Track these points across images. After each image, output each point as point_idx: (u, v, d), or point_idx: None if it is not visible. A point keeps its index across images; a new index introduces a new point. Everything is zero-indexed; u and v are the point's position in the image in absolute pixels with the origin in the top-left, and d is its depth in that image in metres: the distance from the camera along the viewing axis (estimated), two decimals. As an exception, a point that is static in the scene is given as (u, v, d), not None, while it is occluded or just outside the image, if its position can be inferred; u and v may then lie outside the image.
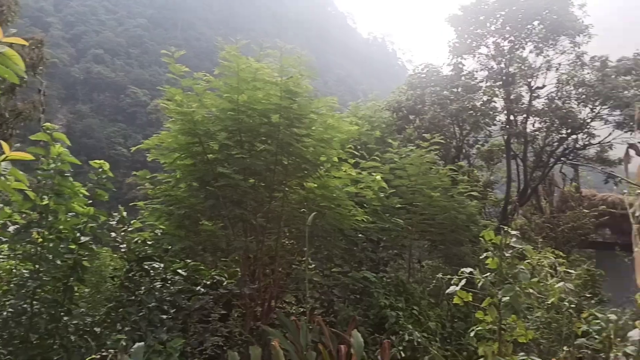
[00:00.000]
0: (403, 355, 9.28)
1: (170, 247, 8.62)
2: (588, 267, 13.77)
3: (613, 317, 6.63)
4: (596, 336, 6.37)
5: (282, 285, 9.95)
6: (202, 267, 9.24)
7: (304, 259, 9.91)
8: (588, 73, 18.90)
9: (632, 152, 8.58)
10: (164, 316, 7.28)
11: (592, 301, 11.85)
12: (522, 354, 6.02)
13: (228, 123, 7.97)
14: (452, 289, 6.38)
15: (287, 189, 9.05)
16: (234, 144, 8.07)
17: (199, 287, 8.64)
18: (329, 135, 8.62)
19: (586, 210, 19.57)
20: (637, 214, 7.91)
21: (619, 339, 7.31)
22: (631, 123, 16.54)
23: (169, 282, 8.08)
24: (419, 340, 9.47)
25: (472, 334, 6.32)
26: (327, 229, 9.45)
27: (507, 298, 5.87)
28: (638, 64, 18.08)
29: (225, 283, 9.15)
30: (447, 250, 12.08)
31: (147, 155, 8.63)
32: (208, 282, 8.89)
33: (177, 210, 8.41)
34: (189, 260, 9.01)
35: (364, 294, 10.22)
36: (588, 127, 19.10)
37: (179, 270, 8.54)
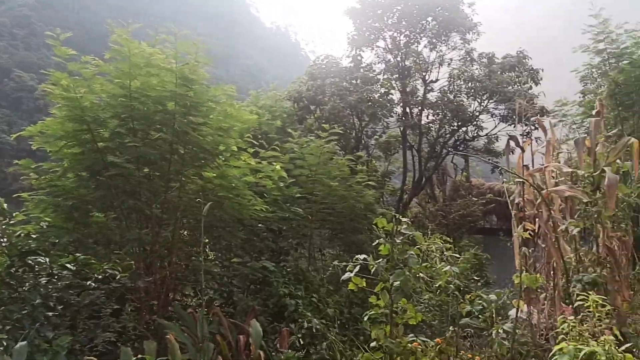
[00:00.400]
0: (302, 342, 9.41)
1: (57, 240, 8.16)
2: (475, 252, 14.64)
3: (494, 297, 7.10)
4: (479, 316, 6.79)
5: (179, 277, 9.74)
6: (94, 261, 8.82)
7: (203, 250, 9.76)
8: (477, 69, 20.00)
9: (512, 143, 9.21)
10: (50, 313, 6.89)
11: (479, 283, 12.62)
12: (411, 335, 6.29)
13: (119, 110, 7.64)
14: (347, 275, 6.54)
15: (184, 178, 8.84)
16: (126, 131, 7.76)
17: (89, 282, 8.25)
18: (227, 124, 8.50)
19: (475, 199, 20.76)
20: (516, 201, 8.51)
21: (499, 318, 7.84)
22: (514, 116, 17.70)
23: (56, 277, 7.66)
24: (318, 327, 9.63)
25: (366, 319, 6.51)
26: (226, 219, 9.35)
27: (398, 282, 6.10)
28: (520, 61, 19.38)
29: (118, 277, 8.81)
30: (346, 238, 12.36)
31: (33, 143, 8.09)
32: (100, 277, 8.51)
33: (64, 202, 7.97)
34: (78, 254, 8.57)
35: (263, 283, 10.24)
36: (477, 119, 20.22)
37: (67, 265, 8.12)
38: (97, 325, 7.66)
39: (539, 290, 8.75)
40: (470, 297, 6.91)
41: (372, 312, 6.52)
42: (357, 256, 6.58)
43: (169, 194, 8.80)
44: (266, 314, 9.90)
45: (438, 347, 6.41)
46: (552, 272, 8.30)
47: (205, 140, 8.28)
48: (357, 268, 6.41)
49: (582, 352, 3.45)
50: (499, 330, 6.73)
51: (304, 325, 9.61)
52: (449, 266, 6.58)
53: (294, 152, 11.01)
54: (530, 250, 7.73)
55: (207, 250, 10.50)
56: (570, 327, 3.78)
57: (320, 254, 12.85)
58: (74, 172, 8.17)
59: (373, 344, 6.56)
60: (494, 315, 7.52)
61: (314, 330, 9.60)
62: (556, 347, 3.71)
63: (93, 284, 8.21)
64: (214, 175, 8.89)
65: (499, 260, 16.32)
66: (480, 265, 13.98)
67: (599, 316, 4.04)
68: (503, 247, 15.64)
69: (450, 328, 6.58)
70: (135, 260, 8.98)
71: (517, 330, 6.49)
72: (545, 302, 8.65)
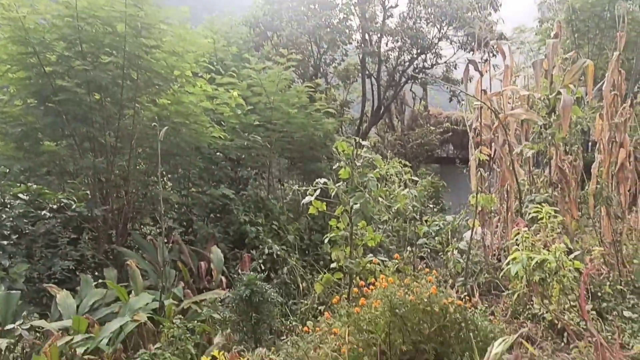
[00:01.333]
0: (263, 267, 9.55)
1: (8, 170, 7.89)
2: (432, 180, 14.93)
3: (450, 218, 7.29)
4: (435, 237, 6.98)
5: (137, 206, 9.63)
6: (47, 191, 8.59)
7: (161, 180, 9.62)
8: (437, -7, 19.66)
9: (471, 69, 9.23)
10: (5, 242, 6.74)
11: (435, 210, 12.95)
12: (370, 255, 6.44)
13: (66, 32, 7.24)
14: (307, 199, 6.58)
15: (138, 105, 8.57)
16: (74, 55, 7.40)
17: (44, 212, 8.07)
18: (181, 47, 8.19)
19: (433, 128, 20.97)
20: (473, 125, 8.63)
21: (454, 239, 8.11)
22: (472, 43, 17.66)
23: (9, 206, 7.44)
24: (279, 252, 9.77)
25: (326, 241, 6.61)
26: (183, 147, 9.18)
27: (358, 205, 6.18)
28: (481, -14, 19.13)
29: (74, 206, 8.63)
30: (305, 167, 12.35)
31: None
32: (54, 206, 8.32)
33: (12, 129, 7.64)
34: (31, 184, 8.33)
35: (223, 211, 10.23)
36: (436, 47, 20.08)
37: (20, 195, 7.89)
38: (55, 254, 7.56)
39: (492, 213, 9.04)
40: (427, 220, 7.08)
41: (332, 235, 6.62)
42: (317, 180, 6.59)
43: (123, 122, 8.55)
44: (227, 241, 9.95)
45: (396, 265, 6.59)
46: (505, 195, 8.56)
47: (158, 65, 7.99)
48: (317, 192, 6.44)
49: (534, 260, 3.61)
50: (454, 250, 6.97)
51: (264, 251, 9.73)
52: (407, 189, 6.68)
53: (252, 78, 10.75)
54: (486, 174, 7.91)
55: (165, 179, 10.35)
56: (523, 238, 3.92)
57: (280, 184, 12.84)
58: (21, 98, 7.80)
59: (333, 265, 6.70)
60: (449, 237, 7.77)
61: (275, 256, 9.74)
62: (510, 257, 3.86)
63: (48, 214, 8.03)
64: (169, 101, 8.65)
65: (454, 187, 16.70)
66: (437, 192, 14.29)
67: (551, 227, 4.20)
68: (459, 176, 15.99)
69: (408, 249, 6.75)
70: (90, 189, 8.80)
71: (471, 250, 6.72)
72: (498, 224, 8.97)
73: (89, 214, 8.37)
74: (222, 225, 10.15)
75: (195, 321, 6.93)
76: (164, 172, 9.99)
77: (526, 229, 3.98)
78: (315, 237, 11.09)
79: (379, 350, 4.30)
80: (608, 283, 7.05)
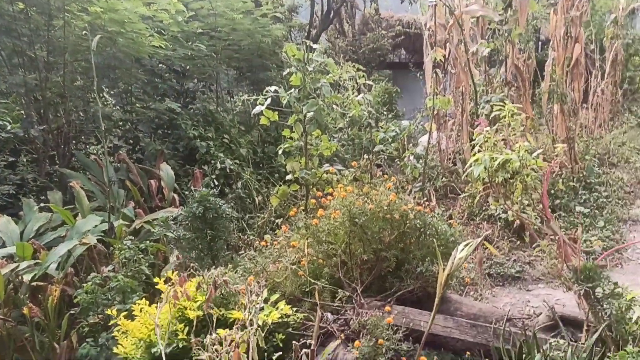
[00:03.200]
0: (216, 182, 9.29)
1: None
2: (385, 85, 14.63)
3: (406, 123, 7.11)
4: (392, 143, 6.82)
5: (78, 125, 9.07)
6: (-24, 113, 7.94)
7: (101, 95, 9.02)
8: None
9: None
10: None
11: (389, 116, 12.77)
12: (327, 165, 6.25)
13: None
14: (258, 108, 6.24)
15: (68, 14, 7.83)
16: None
17: (-26, 135, 7.48)
18: (110, -53, 7.41)
19: (384, 32, 20.39)
20: (428, 25, 8.29)
21: (410, 145, 7.98)
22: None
23: None
24: (232, 167, 9.50)
25: (280, 152, 6.36)
26: (121, 59, 8.54)
27: (311, 113, 5.90)
28: None
29: (9, 127, 8.04)
30: (254, 76, 11.82)
31: None
32: (-14, 128, 7.72)
33: None
34: (-44, 105, 7.66)
35: (171, 127, 9.76)
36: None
37: (-56, 117, 7.25)
38: (-9, 178, 7.09)
39: (447, 117, 8.92)
40: (383, 126, 6.87)
41: (286, 146, 6.36)
42: (267, 88, 6.23)
43: (53, 33, 7.83)
44: (177, 157, 9.58)
45: (353, 174, 6.44)
46: (461, 98, 8.41)
47: (85, -34, 7.22)
48: (268, 101, 6.10)
49: (497, 161, 3.48)
50: (410, 156, 6.84)
51: (217, 166, 9.43)
52: (362, 94, 6.40)
53: (191, -19, 9.96)
54: (442, 74, 7.69)
55: (105, 95, 9.73)
56: (485, 139, 3.77)
57: (229, 96, 12.32)
58: None
59: (288, 177, 6.50)
60: (405, 143, 7.63)
61: (228, 171, 9.47)
62: (472, 159, 3.72)
63: (-22, 137, 7.46)
64: (102, 9, 7.92)
65: (407, 93, 16.49)
66: (390, 98, 14.02)
67: (513, 125, 4.07)
68: (412, 81, 15.76)
69: (365, 157, 6.58)
70: (24, 109, 8.19)
71: (428, 155, 6.61)
72: (453, 127, 8.89)
73: (25, 135, 7.82)
74: (171, 142, 9.73)
75: (148, 241, 6.73)
76: (104, 87, 9.36)
77: (488, 128, 3.82)
78: (269, 150, 10.82)
79: (339, 260, 4.20)
80: (561, 180, 7.14)
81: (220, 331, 3.54)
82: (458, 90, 8.40)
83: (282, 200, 6.81)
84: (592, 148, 7.66)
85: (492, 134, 3.77)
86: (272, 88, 6.20)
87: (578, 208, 6.65)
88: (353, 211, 4.06)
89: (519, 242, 6.02)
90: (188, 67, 10.57)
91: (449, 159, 8.62)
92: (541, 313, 4.28)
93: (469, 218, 6.95)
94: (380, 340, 3.39)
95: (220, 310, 3.79)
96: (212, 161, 9.50)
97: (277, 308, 3.77)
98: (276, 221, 7.59)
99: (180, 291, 3.90)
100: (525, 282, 5.56)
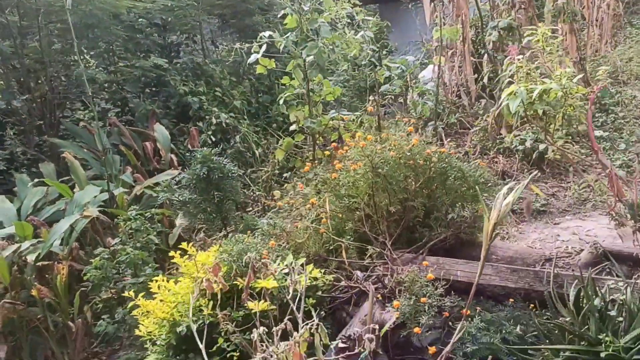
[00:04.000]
0: (214, 139, 8.95)
1: None
2: (376, 20, 14.02)
3: (411, 58, 6.71)
4: (396, 82, 6.44)
5: (62, 91, 8.61)
6: (-48, 87, 7.49)
7: (82, 57, 8.51)
8: None
9: None
10: None
11: (384, 52, 12.27)
12: (333, 111, 5.90)
13: None
14: (253, 57, 5.82)
15: (35, -28, 7.28)
16: None
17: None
18: None
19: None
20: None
21: (413, 81, 7.60)
22: None
23: None
24: (227, 121, 9.13)
25: (281, 102, 5.99)
26: (99, 16, 8.00)
27: (312, 56, 5.49)
28: None
29: (-11, 100, 7.62)
30: (239, 23, 11.25)
31: None
32: (-36, 103, 7.29)
33: None
34: None
35: (159, 84, 9.30)
36: None
37: None
38: (-22, 156, 6.72)
39: (447, 48, 8.48)
40: (386, 63, 6.47)
41: (288, 94, 5.98)
42: (261, 34, 5.80)
43: (22, -3, 7.30)
44: (169, 116, 9.17)
45: (359, 118, 6.10)
46: (461, 26, 7.96)
47: None
48: (264, 48, 5.67)
49: (536, 91, 3.14)
50: (418, 93, 6.49)
51: (212, 121, 9.06)
52: (362, 32, 5.97)
53: None
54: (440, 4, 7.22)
55: (87, 57, 9.20)
56: (518, 68, 3.41)
57: (214, 46, 11.74)
58: None
59: (292, 127, 6.15)
60: (409, 80, 7.25)
61: (224, 125, 9.11)
62: (505, 93, 3.38)
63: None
64: (72, -37, 7.34)
65: (397, 28, 15.87)
66: (381, 34, 13.44)
67: (550, 50, 3.70)
68: (402, 14, 15.09)
69: (370, 98, 6.22)
70: (3, 79, 7.73)
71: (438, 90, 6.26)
72: (455, 58, 8.47)
73: (8, 107, 7.40)
74: (161, 100, 9.29)
75: (153, 208, 6.44)
76: (84, 49, 8.83)
77: (520, 57, 3.47)
78: (264, 99, 10.41)
79: (363, 214, 3.92)
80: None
81: (251, 304, 3.31)
82: (459, 19, 7.95)
83: (286, 152, 6.49)
84: (602, 67, 7.29)
85: (524, 63, 3.42)
86: (267, 33, 5.76)
87: (596, 132, 6.35)
88: (375, 161, 3.76)
89: (540, 174, 5.75)
90: (170, 19, 10.00)
91: (453, 92, 8.26)
92: (582, 250, 4.05)
93: (482, 152, 6.67)
94: (422, 299, 3.16)
95: (244, 281, 3.54)
96: (207, 117, 9.12)
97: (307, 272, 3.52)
98: (284, 175, 7.30)
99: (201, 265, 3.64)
100: (551, 215, 5.32)
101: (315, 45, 5.41)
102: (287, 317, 2.94)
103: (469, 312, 3.26)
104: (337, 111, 5.97)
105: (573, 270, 3.79)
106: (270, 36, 5.71)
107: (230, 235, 5.65)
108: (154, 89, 9.37)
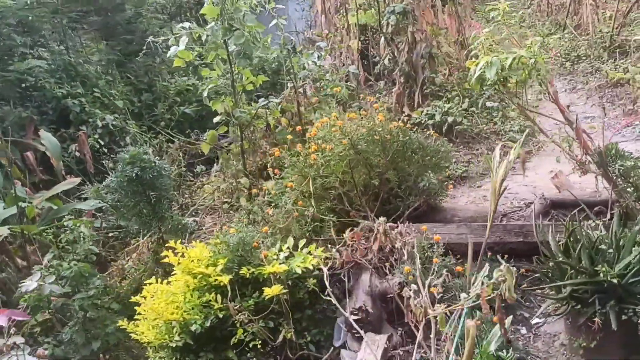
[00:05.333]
0: (102, 142, 8.41)
1: None
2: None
3: (323, 44, 6.87)
4: (313, 69, 6.60)
5: None
6: None
7: None
8: None
9: None
10: None
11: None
12: (262, 99, 5.89)
13: None
14: (173, 50, 5.58)
15: None
16: None
17: None
18: None
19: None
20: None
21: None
22: None
23: None
24: (114, 122, 8.65)
25: (205, 94, 5.83)
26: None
27: (239, 47, 5.43)
28: None
29: None
30: (105, 20, 10.50)
31: None
32: None
33: None
34: None
35: (31, 88, 8.45)
36: None
37: None
38: None
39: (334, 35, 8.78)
40: (301, 51, 6.56)
41: (211, 86, 5.84)
42: (181, 25, 5.59)
43: None
44: (47, 122, 8.40)
45: (279, 105, 6.15)
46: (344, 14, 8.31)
47: None
48: (185, 40, 5.47)
49: (509, 59, 3.46)
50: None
51: (97, 124, 8.51)
52: (275, 20, 5.98)
53: None
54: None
55: None
56: (483, 42, 3.71)
57: (81, 45, 10.84)
58: None
59: (216, 119, 6.02)
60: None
61: (111, 127, 8.61)
62: (476, 63, 3.66)
63: None
64: None
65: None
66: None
67: (510, 23, 4.08)
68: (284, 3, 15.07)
69: (289, 85, 6.30)
70: None
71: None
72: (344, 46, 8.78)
73: None
74: (34, 106, 8.47)
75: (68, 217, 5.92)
76: None
77: (486, 30, 3.78)
78: (146, 97, 9.95)
79: (342, 192, 4.04)
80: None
81: (267, 289, 3.29)
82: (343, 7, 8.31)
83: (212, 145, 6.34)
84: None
85: (490, 35, 3.74)
86: (186, 25, 5.58)
87: (488, 103, 7.04)
88: (354, 138, 3.88)
89: (451, 144, 6.25)
90: (30, 17, 9.11)
91: (342, 78, 8.59)
92: (531, 203, 4.57)
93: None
94: (435, 259, 3.36)
95: (249, 269, 3.48)
96: (90, 120, 8.53)
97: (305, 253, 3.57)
98: (196, 170, 7.14)
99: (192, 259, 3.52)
100: (472, 180, 5.85)
101: (241, 34, 5.35)
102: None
103: (461, 268, 3.55)
104: (267, 98, 5.97)
105: (526, 220, 4.27)
106: (190, 27, 5.54)
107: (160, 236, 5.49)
108: (26, 92, 8.50)
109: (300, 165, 3.99)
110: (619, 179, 3.52)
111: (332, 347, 3.66)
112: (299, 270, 3.44)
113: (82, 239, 5.00)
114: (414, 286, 2.86)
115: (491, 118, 6.95)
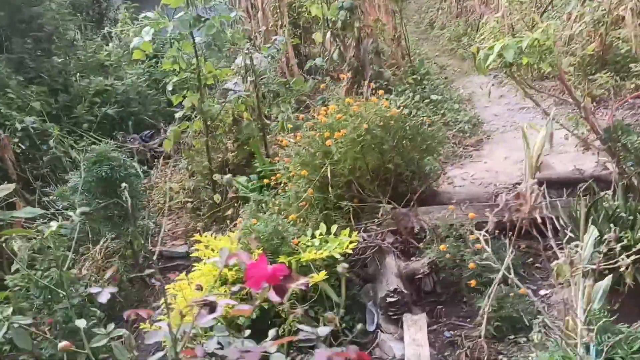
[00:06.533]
0: (23, 147, 7.73)
1: None
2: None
3: (281, 38, 6.80)
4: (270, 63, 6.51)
5: None
6: None
7: None
8: None
9: None
10: None
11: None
12: (231, 92, 5.71)
13: None
14: (136, 41, 5.24)
15: None
16: None
17: None
18: None
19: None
20: None
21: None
22: None
23: None
24: (35, 124, 7.98)
25: (169, 88, 5.55)
26: None
27: (209, 38, 5.23)
28: None
29: None
30: (11, 15, 9.55)
31: None
32: None
33: None
34: None
35: None
36: None
37: None
38: None
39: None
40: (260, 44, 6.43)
41: (175, 79, 5.56)
42: (144, 14, 5.27)
43: None
44: (-50, 129, 7.55)
45: (243, 99, 6.00)
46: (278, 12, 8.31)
47: None
48: (151, 31, 5.16)
49: (525, 42, 3.63)
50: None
51: (16, 127, 7.80)
52: (234, 12, 5.85)
53: None
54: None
55: None
56: (494, 26, 3.85)
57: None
58: None
59: (178, 114, 5.74)
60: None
61: (31, 130, 7.91)
62: (489, 47, 3.78)
63: None
64: None
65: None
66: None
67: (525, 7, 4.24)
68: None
69: (249, 79, 6.16)
70: None
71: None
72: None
73: None
74: None
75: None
76: None
77: (498, 14, 3.92)
78: (63, 99, 9.25)
79: (354, 179, 4.03)
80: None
81: (315, 276, 3.20)
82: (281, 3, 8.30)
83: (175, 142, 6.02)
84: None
85: (501, 20, 3.89)
86: (150, 14, 5.26)
87: (433, 96, 7.36)
88: (371, 124, 3.88)
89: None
90: None
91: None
92: (518, 183, 4.81)
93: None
94: (472, 235, 3.45)
95: (287, 258, 3.36)
96: (7, 122, 7.78)
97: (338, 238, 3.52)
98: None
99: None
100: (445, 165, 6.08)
101: (212, 24, 5.15)
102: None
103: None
104: (235, 92, 5.79)
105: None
106: (154, 18, 5.23)
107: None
108: None
109: (311, 152, 3.93)
110: (623, 154, 3.82)
111: (366, 332, 3.64)
112: (337, 256, 3.39)
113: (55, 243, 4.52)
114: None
115: (437, 110, 7.26)
